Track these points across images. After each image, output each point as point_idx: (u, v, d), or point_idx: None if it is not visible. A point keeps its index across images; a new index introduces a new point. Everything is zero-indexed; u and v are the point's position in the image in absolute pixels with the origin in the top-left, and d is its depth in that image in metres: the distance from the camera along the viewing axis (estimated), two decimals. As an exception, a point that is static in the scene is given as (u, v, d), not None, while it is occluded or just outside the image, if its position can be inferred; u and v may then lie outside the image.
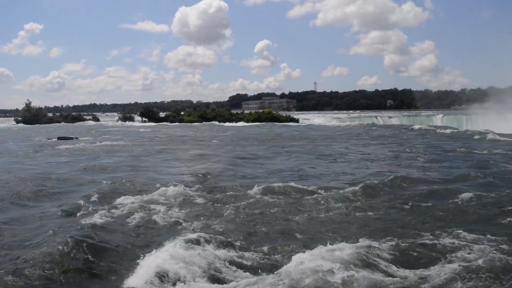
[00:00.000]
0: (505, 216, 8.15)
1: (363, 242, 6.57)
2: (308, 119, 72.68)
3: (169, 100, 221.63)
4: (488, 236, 6.93)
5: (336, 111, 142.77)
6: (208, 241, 6.62)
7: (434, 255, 6.24)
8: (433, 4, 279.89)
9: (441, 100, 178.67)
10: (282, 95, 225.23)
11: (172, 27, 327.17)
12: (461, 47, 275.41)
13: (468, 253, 6.11)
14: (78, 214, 8.73)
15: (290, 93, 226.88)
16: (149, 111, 78.92)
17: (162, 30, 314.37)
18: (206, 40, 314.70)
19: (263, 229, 7.69)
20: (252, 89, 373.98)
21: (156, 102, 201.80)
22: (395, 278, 5.43)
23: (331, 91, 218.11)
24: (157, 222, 8.22)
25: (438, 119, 66.62)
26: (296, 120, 68.60)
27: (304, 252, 6.17)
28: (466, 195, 9.66)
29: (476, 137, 27.77)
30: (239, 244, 6.90)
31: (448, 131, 34.44)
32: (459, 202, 9.28)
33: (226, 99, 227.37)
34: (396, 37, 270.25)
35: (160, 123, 68.53)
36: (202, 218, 8.47)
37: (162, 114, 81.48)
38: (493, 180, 11.82)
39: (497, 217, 8.17)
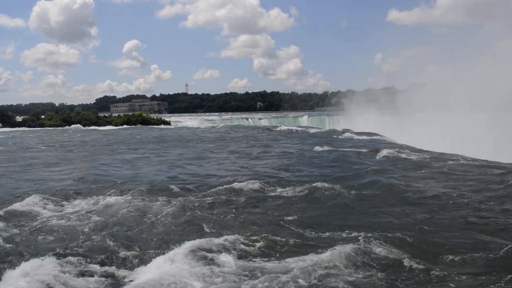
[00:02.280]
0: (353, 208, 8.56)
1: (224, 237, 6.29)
2: (180, 122, 71.77)
3: (27, 103, 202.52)
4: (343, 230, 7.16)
5: (208, 113, 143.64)
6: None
7: (292, 248, 6.21)
8: (298, 11, 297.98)
9: (306, 102, 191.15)
10: (153, 97, 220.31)
11: (29, 22, 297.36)
12: (323, 52, 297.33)
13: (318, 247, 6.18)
14: None
15: (161, 95, 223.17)
16: (3, 115, 70.53)
17: (18, 24, 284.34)
18: (70, 38, 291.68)
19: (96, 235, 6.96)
20: (121, 91, 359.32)
21: (11, 105, 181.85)
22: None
23: (203, 94, 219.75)
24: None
25: (304, 119, 70.98)
26: (168, 123, 67.30)
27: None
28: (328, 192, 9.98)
29: (335, 136, 29.89)
30: (115, 246, 6.08)
31: (313, 130, 36.56)
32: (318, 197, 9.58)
33: (93, 101, 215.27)
34: (264, 41, 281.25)
35: (17, 128, 61.50)
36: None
37: (19, 118, 73.38)
38: (344, 174, 12.73)
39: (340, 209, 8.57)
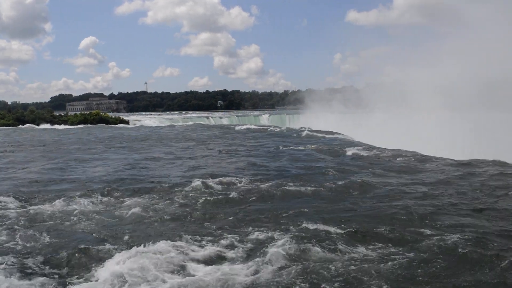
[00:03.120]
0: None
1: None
2: (139, 121, 70.22)
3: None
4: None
5: (168, 112, 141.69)
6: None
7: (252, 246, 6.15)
8: (258, 11, 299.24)
9: (267, 100, 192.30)
10: (111, 96, 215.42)
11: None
12: (283, 51, 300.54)
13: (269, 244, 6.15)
14: None
15: (120, 93, 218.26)
16: None
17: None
18: (22, 34, 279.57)
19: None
20: (77, 89, 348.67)
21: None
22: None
23: (163, 92, 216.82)
24: None
25: (265, 118, 71.25)
26: (127, 122, 65.84)
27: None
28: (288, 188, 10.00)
29: (295, 134, 30.12)
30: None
31: (273, 129, 36.71)
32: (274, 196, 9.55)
33: (48, 99, 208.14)
34: (225, 39, 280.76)
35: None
36: None
37: (-34, 117, 69.75)
38: (304, 172, 12.79)
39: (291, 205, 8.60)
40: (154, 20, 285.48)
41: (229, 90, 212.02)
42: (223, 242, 6.79)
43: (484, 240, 6.39)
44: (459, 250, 6.06)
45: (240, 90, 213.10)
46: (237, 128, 41.63)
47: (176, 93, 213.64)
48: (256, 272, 5.56)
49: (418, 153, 16.81)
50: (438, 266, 5.66)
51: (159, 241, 6.55)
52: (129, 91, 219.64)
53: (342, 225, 7.39)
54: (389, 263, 5.77)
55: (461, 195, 9.55)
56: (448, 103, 38.87)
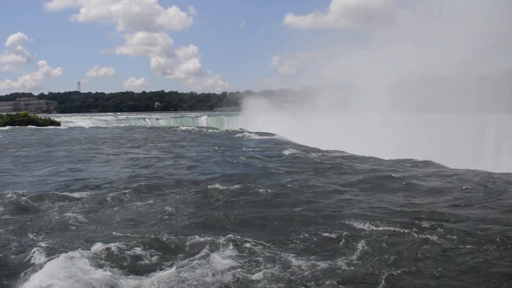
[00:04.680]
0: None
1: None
2: (72, 122, 67.33)
3: None
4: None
5: (102, 113, 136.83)
6: None
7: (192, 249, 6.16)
8: (196, 11, 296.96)
9: (205, 102, 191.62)
10: (41, 96, 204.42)
11: None
12: (221, 53, 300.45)
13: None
14: None
15: (51, 93, 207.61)
16: None
17: None
18: None
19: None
20: (3, 88, 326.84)
21: None
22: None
23: (97, 92, 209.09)
24: None
25: (203, 120, 70.90)
26: (58, 123, 62.77)
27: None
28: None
29: (233, 136, 30.33)
30: None
31: (211, 131, 36.63)
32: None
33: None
34: (162, 39, 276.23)
35: None
36: None
37: None
38: (241, 173, 12.93)
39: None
40: (87, 17, 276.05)
41: (166, 91, 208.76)
42: (154, 250, 6.73)
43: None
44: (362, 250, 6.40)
45: (178, 91, 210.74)
46: (174, 129, 41.11)
47: (111, 93, 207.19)
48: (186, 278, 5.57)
49: (346, 152, 17.60)
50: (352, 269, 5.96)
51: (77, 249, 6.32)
52: (61, 91, 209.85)
53: (265, 230, 7.56)
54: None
55: (373, 195, 10.11)
56: (383, 104, 40.77)
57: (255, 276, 5.49)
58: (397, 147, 30.15)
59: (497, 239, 6.50)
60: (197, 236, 7.06)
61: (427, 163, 14.78)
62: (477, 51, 35.69)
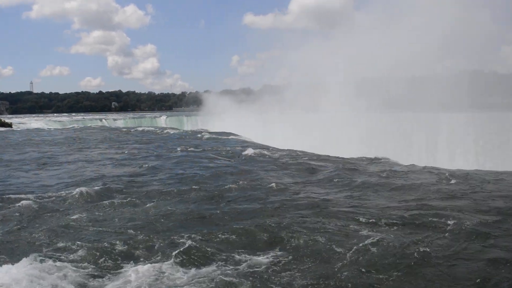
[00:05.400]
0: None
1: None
2: (24, 123, 64.87)
3: None
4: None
5: (57, 114, 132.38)
6: None
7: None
8: (154, 9, 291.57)
9: (164, 102, 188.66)
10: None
11: None
12: (180, 52, 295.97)
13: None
14: None
15: (1, 93, 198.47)
16: None
17: None
18: None
19: None
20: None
21: None
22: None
23: (51, 92, 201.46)
24: None
25: (162, 120, 69.93)
26: (9, 125, 60.37)
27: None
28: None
29: (193, 136, 30.21)
30: None
31: (171, 131, 36.25)
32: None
33: None
34: (119, 38, 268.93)
35: None
36: None
37: None
38: (201, 173, 13.02)
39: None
40: (40, 14, 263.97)
41: (124, 91, 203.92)
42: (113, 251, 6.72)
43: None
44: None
45: (136, 91, 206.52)
46: (132, 130, 40.40)
47: (66, 93, 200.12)
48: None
49: (308, 152, 17.94)
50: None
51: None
52: (12, 91, 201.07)
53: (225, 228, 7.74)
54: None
55: (328, 192, 10.45)
56: (341, 104, 41.74)
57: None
58: (356, 145, 31.02)
59: (463, 231, 6.99)
60: (149, 237, 7.10)
61: (379, 160, 15.35)
62: (428, 51, 37.22)
